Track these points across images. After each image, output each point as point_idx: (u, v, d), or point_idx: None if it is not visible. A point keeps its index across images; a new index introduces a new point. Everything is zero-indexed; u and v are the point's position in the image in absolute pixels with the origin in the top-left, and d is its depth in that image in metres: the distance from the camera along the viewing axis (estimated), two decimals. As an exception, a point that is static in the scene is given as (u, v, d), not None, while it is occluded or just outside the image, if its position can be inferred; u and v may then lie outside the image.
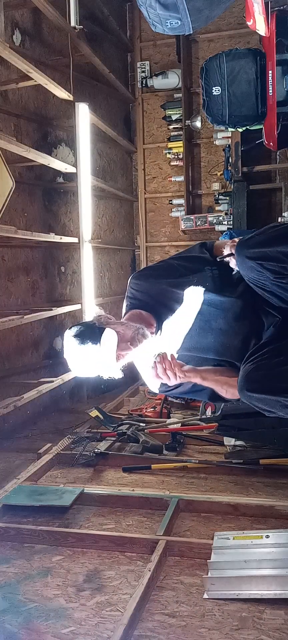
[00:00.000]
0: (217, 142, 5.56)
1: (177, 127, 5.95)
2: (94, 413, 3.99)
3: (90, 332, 1.86)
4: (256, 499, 2.76)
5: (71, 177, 4.71)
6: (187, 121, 5.79)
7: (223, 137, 5.39)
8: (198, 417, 3.84)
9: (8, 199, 3.50)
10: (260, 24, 2.95)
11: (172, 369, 1.91)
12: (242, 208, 5.07)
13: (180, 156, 5.93)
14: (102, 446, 3.52)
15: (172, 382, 1.93)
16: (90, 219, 4.65)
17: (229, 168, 5.36)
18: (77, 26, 4.33)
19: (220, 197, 5.66)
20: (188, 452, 3.50)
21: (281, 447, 3.18)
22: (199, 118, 5.80)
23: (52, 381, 4.16)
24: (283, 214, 5.09)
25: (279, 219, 4.99)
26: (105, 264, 5.83)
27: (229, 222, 5.44)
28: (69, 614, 2.02)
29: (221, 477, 3.13)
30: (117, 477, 3.20)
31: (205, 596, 2.07)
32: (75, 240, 4.58)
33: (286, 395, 1.82)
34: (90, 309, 4.48)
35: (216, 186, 5.83)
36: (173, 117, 5.92)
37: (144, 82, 6.08)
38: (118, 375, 1.94)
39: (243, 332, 2.00)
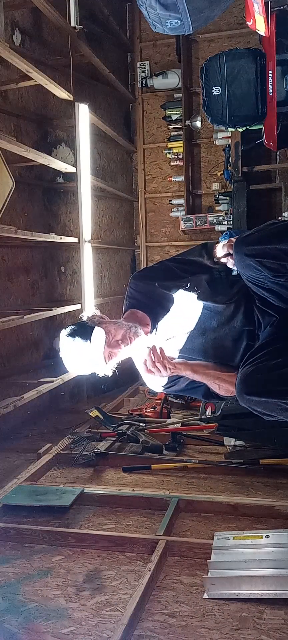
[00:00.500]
0: (217, 142, 5.55)
1: (177, 127, 5.94)
2: (94, 413, 3.99)
3: (82, 331, 1.92)
4: (256, 499, 2.76)
5: (71, 177, 4.71)
6: (187, 121, 5.79)
7: (223, 137, 5.38)
8: (198, 417, 3.84)
9: (8, 199, 3.50)
10: (260, 24, 2.95)
11: (161, 361, 1.90)
12: (242, 208, 5.07)
13: (180, 156, 5.93)
14: (102, 446, 3.52)
15: (163, 374, 1.93)
16: (90, 219, 4.65)
17: (229, 168, 5.35)
18: (77, 26, 4.32)
19: (220, 197, 5.66)
20: (188, 452, 3.51)
21: (281, 447, 3.18)
22: (199, 118, 5.80)
23: (52, 381, 4.16)
24: (283, 214, 5.10)
25: (279, 219, 4.98)
26: (105, 264, 5.83)
27: (229, 222, 5.44)
28: (69, 614, 2.02)
29: (221, 477, 3.13)
30: (117, 477, 3.20)
31: (205, 596, 2.07)
32: (75, 240, 4.58)
33: (286, 398, 1.81)
34: (90, 309, 4.48)
35: (216, 186, 5.83)
36: (173, 117, 5.92)
37: (144, 82, 6.08)
38: (109, 373, 1.97)
39: (236, 333, 1.99)
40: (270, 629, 1.89)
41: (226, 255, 2.03)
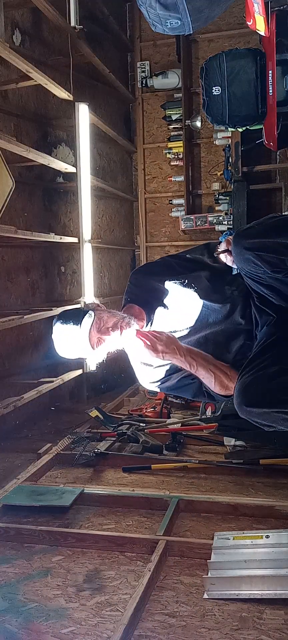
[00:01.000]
0: (217, 142, 5.55)
1: (177, 127, 5.94)
2: (94, 413, 3.99)
3: (74, 315, 1.92)
4: (256, 499, 2.76)
5: (71, 177, 4.71)
6: (187, 121, 5.79)
7: (223, 137, 5.38)
8: (198, 417, 3.84)
9: (8, 199, 3.50)
10: (260, 24, 2.94)
11: (150, 339, 1.86)
12: (242, 208, 5.07)
13: (180, 156, 5.93)
14: (102, 446, 3.52)
15: (154, 355, 1.86)
16: (90, 218, 4.65)
17: (229, 168, 5.35)
18: (77, 26, 4.33)
19: (220, 197, 5.66)
20: (188, 452, 3.51)
21: (281, 447, 3.18)
22: (199, 118, 5.80)
23: (52, 381, 4.16)
24: (283, 214, 5.09)
25: (278, 213, 4.98)
26: (105, 263, 5.83)
27: (229, 222, 5.44)
28: (69, 614, 2.02)
29: (221, 477, 3.13)
30: (117, 477, 3.20)
31: (205, 596, 2.07)
32: (75, 240, 4.58)
33: (287, 407, 1.74)
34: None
35: (216, 186, 5.83)
36: (173, 117, 5.91)
37: (144, 82, 6.08)
38: (98, 361, 1.96)
39: (233, 332, 1.96)
40: (270, 629, 1.89)
41: (224, 252, 2.00)
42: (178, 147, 5.93)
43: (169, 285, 2.03)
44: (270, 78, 3.41)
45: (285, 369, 1.78)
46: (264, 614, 1.96)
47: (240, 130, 4.35)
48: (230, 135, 5.17)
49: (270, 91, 3.43)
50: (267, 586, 2.05)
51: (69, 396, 4.98)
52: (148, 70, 6.11)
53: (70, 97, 4.29)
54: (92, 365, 1.74)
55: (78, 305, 4.55)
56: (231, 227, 5.31)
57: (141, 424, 3.81)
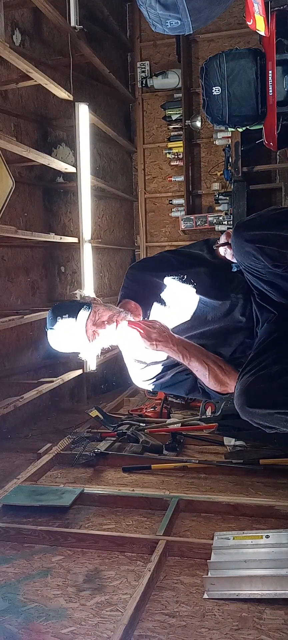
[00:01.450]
0: (217, 142, 5.55)
1: (177, 127, 5.94)
2: (94, 413, 3.99)
3: (70, 307, 1.88)
4: (256, 499, 2.76)
5: (71, 177, 4.71)
6: (187, 121, 5.79)
7: (223, 137, 5.38)
8: (198, 417, 3.84)
9: (8, 199, 3.50)
10: (260, 24, 2.94)
11: (143, 327, 1.84)
12: (242, 208, 5.07)
13: (180, 156, 5.93)
14: (102, 446, 3.52)
15: (148, 343, 1.84)
16: (90, 219, 4.65)
17: (229, 168, 5.35)
18: (77, 26, 4.32)
19: (220, 197, 5.66)
20: (188, 452, 3.51)
21: (281, 447, 3.18)
22: (199, 118, 5.80)
23: (52, 381, 4.16)
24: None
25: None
26: (105, 264, 5.83)
27: (229, 222, 5.44)
28: (69, 614, 2.02)
29: (221, 477, 3.13)
30: (117, 477, 3.20)
31: (205, 596, 2.07)
32: (75, 240, 4.58)
33: None
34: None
35: (216, 186, 5.83)
36: (173, 117, 5.91)
37: (143, 82, 6.07)
38: (92, 356, 1.94)
39: (232, 329, 1.93)
40: (270, 629, 1.89)
41: (224, 245, 1.97)
42: (178, 147, 5.93)
43: (167, 280, 1.99)
44: (270, 78, 3.40)
45: (287, 368, 1.74)
46: (264, 614, 1.96)
47: (240, 130, 4.35)
48: (230, 135, 5.17)
49: (270, 91, 3.42)
50: (267, 586, 2.05)
51: (69, 396, 4.98)
52: (148, 70, 6.11)
53: (70, 97, 4.29)
54: (86, 358, 1.71)
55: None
56: (231, 227, 5.31)
57: (141, 424, 3.81)
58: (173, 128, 5.97)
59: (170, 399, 4.36)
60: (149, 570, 2.15)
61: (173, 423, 3.86)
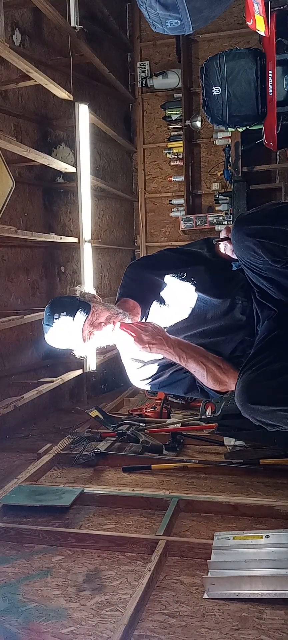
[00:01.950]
0: (217, 142, 5.55)
1: (177, 127, 5.94)
2: (94, 413, 3.99)
3: (69, 305, 1.86)
4: (256, 499, 2.76)
5: (71, 177, 4.71)
6: (187, 121, 5.79)
7: (223, 137, 5.38)
8: (198, 417, 3.84)
9: (8, 199, 3.50)
10: (260, 24, 2.94)
11: (134, 330, 1.81)
12: (242, 208, 5.07)
13: (180, 156, 5.93)
14: (102, 446, 3.52)
15: (140, 346, 1.81)
16: (90, 219, 4.65)
17: (229, 168, 5.35)
18: (77, 26, 4.32)
19: (220, 197, 5.66)
20: (188, 452, 3.51)
21: (281, 447, 3.18)
22: (199, 118, 5.80)
23: (52, 381, 4.16)
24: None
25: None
26: (105, 264, 5.83)
27: (229, 222, 5.44)
28: (69, 614, 2.02)
29: (221, 477, 3.13)
30: (117, 477, 3.20)
31: (205, 596, 2.07)
32: (75, 240, 4.58)
33: None
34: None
35: (216, 186, 5.82)
36: (173, 117, 5.91)
37: (144, 82, 6.07)
38: (87, 353, 1.93)
39: (232, 327, 1.91)
40: (270, 629, 1.89)
41: (224, 240, 1.96)
42: (178, 147, 5.93)
43: (167, 278, 1.98)
44: (270, 78, 3.40)
45: None
46: (264, 614, 1.96)
47: (240, 130, 4.35)
48: (230, 135, 5.17)
49: (270, 91, 3.42)
50: (267, 586, 2.05)
51: (69, 396, 4.98)
52: (148, 70, 6.10)
53: (70, 97, 4.29)
54: (80, 356, 1.70)
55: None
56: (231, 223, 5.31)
57: (141, 424, 3.81)
58: (174, 128, 5.97)
59: (170, 399, 4.36)
60: (149, 570, 2.15)
61: (173, 423, 3.86)
